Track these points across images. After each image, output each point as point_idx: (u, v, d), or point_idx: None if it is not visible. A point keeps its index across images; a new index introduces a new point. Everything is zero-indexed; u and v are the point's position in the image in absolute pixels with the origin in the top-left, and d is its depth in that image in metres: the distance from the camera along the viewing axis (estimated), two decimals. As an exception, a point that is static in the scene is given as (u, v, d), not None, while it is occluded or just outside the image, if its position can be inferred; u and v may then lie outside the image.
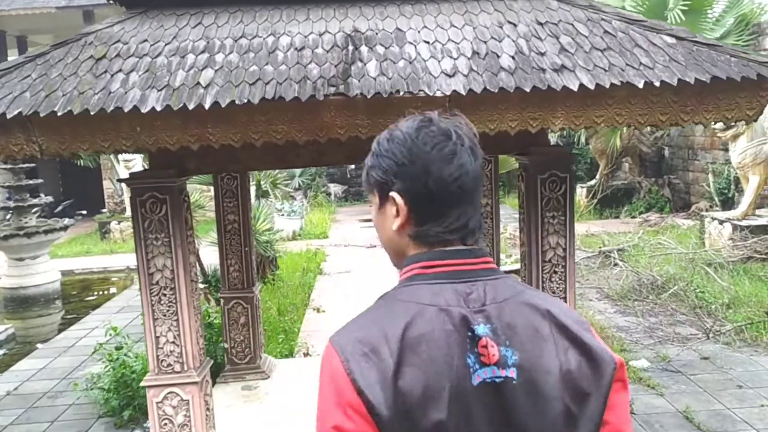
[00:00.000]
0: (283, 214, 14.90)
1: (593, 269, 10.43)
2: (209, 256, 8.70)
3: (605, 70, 3.17)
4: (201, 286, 8.44)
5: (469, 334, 1.11)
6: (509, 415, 1.09)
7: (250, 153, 3.88)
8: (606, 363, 1.14)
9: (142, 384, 3.94)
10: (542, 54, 3.26)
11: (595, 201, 16.33)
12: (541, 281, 3.94)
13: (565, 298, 3.97)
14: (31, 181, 11.71)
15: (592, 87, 3.08)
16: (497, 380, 1.10)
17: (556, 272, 3.96)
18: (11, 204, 11.18)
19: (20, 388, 6.88)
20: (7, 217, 12.00)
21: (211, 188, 10.35)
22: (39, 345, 8.55)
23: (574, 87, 3.06)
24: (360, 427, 1.07)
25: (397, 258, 1.28)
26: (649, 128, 14.31)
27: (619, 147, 15.57)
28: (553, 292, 3.97)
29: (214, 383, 5.96)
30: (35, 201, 11.55)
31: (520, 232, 4.17)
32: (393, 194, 1.21)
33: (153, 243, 3.77)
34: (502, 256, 9.98)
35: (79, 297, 11.70)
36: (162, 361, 3.88)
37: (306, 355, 7.16)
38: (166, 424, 3.91)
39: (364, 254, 13.60)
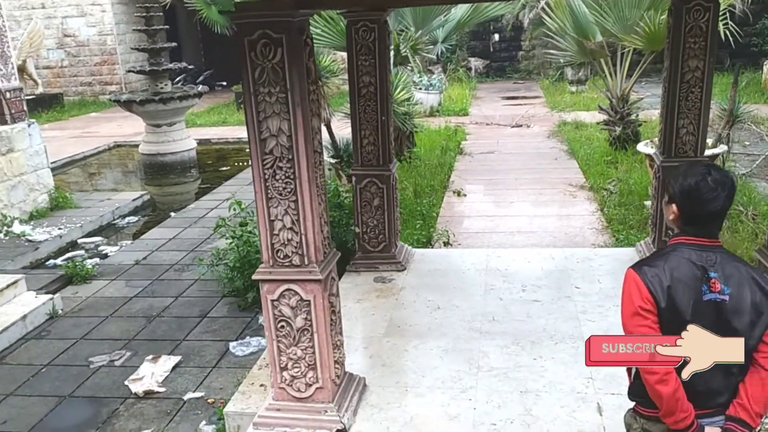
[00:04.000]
0: (420, 88, 13.72)
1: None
2: (342, 130, 7.86)
3: None
4: (331, 160, 7.69)
5: (706, 276, 1.99)
6: (721, 317, 1.96)
7: (395, -25, 2.78)
8: None
9: (254, 277, 3.20)
10: None
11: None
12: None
13: None
14: (165, 45, 11.35)
15: None
16: (717, 300, 1.97)
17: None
18: (147, 68, 10.89)
19: (149, 257, 6.62)
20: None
21: (344, 54, 9.38)
22: (172, 213, 8.35)
23: None
24: (650, 308, 1.98)
25: (671, 225, 2.17)
26: None
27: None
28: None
29: (343, 272, 5.26)
30: (170, 66, 11.20)
31: None
32: (673, 206, 2.08)
33: (266, 99, 2.86)
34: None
35: (213, 167, 11.51)
36: (277, 251, 3.08)
37: (446, 244, 6.27)
38: (282, 326, 3.18)
39: (508, 134, 12.28)
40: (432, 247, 6.18)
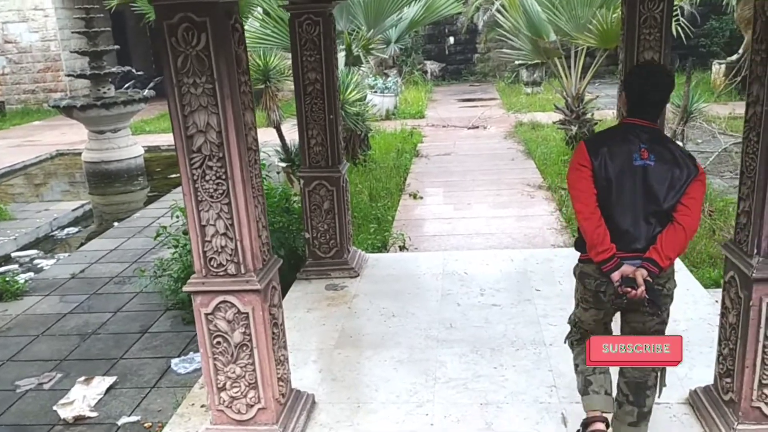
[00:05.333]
0: (376, 91, 13.52)
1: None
2: (295, 134, 7.58)
3: None
4: (283, 164, 7.41)
5: (638, 146, 2.55)
6: (647, 179, 2.53)
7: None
8: (693, 171, 2.54)
9: (185, 289, 2.89)
10: None
11: (738, 80, 13.87)
12: None
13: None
14: (108, 47, 10.86)
15: None
16: (645, 165, 2.54)
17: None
18: (87, 72, 10.39)
19: (87, 270, 6.21)
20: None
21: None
22: (115, 223, 7.92)
23: None
24: (587, 165, 2.58)
25: (622, 108, 2.93)
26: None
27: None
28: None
29: (293, 279, 4.98)
30: (113, 69, 10.72)
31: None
32: (623, 94, 2.71)
33: (191, 91, 2.58)
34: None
35: (162, 174, 11.04)
36: (210, 259, 2.79)
37: (402, 248, 6.04)
38: (219, 342, 2.88)
39: (465, 135, 12.15)
40: (387, 252, 5.94)
